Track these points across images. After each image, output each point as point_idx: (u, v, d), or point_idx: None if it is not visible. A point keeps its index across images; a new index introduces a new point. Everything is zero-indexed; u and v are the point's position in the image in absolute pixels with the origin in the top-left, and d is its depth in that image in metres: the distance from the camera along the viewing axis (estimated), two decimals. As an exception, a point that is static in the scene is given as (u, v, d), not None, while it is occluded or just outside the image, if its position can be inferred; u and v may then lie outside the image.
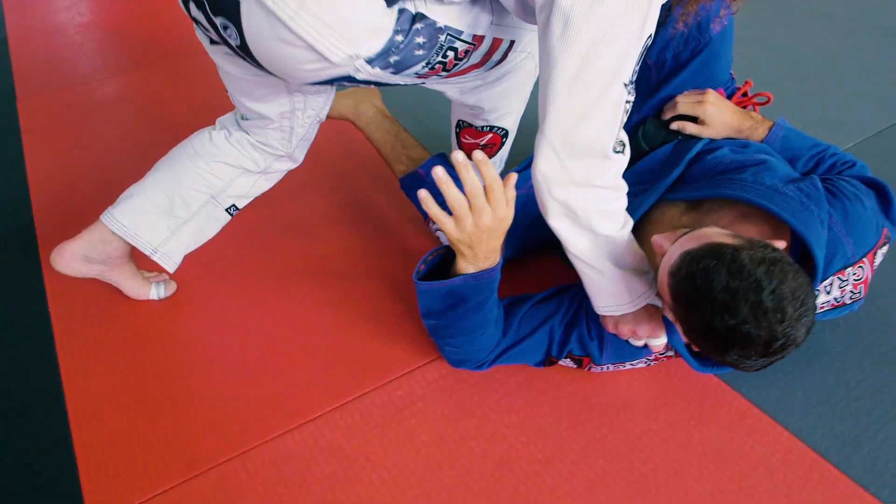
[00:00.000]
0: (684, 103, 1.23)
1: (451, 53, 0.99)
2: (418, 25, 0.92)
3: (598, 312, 1.02)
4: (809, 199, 1.01)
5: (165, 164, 1.20)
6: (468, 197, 0.89)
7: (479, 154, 0.86)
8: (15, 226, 1.48)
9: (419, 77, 1.01)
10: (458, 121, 1.31)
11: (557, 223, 0.91)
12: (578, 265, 0.97)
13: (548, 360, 1.13)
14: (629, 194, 1.18)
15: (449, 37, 0.95)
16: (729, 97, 1.31)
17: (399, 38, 0.90)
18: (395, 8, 0.89)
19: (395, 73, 0.96)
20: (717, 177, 1.13)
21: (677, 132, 1.25)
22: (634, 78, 0.86)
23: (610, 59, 0.81)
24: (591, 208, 0.89)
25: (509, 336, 1.11)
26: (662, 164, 1.24)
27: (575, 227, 0.92)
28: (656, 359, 1.12)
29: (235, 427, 1.07)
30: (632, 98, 0.87)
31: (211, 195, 1.21)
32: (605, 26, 0.79)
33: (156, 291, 1.30)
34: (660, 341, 1.02)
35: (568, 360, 1.13)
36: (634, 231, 1.02)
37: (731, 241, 0.84)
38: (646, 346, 1.05)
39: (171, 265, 1.23)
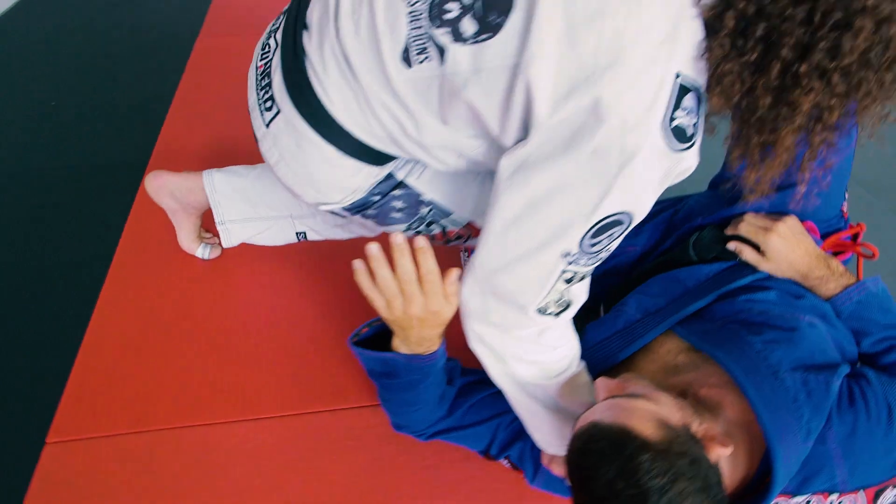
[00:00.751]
0: (749, 225, 1.04)
1: (437, 229, 0.99)
2: (397, 192, 0.94)
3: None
4: (808, 399, 0.83)
5: None
6: (399, 282, 0.85)
7: (420, 241, 0.82)
8: (131, 160, 1.72)
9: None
10: None
11: (476, 347, 0.86)
12: (503, 391, 0.90)
13: (486, 454, 1.08)
14: (641, 308, 1.05)
15: (434, 211, 0.96)
16: (825, 236, 1.08)
17: (375, 198, 0.94)
18: (385, 171, 0.91)
19: (382, 225, 1.01)
20: (730, 325, 0.95)
21: (733, 253, 1.06)
22: (595, 251, 0.75)
23: (548, 224, 0.72)
24: (507, 353, 0.83)
25: (454, 418, 1.07)
26: (698, 285, 1.07)
27: (494, 359, 0.85)
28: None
29: (192, 400, 1.18)
30: (581, 269, 0.77)
31: (291, 214, 1.32)
32: (555, 185, 0.70)
33: (202, 251, 1.45)
34: None
35: (506, 461, 1.07)
36: None
37: (649, 432, 0.71)
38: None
39: (227, 241, 1.37)
